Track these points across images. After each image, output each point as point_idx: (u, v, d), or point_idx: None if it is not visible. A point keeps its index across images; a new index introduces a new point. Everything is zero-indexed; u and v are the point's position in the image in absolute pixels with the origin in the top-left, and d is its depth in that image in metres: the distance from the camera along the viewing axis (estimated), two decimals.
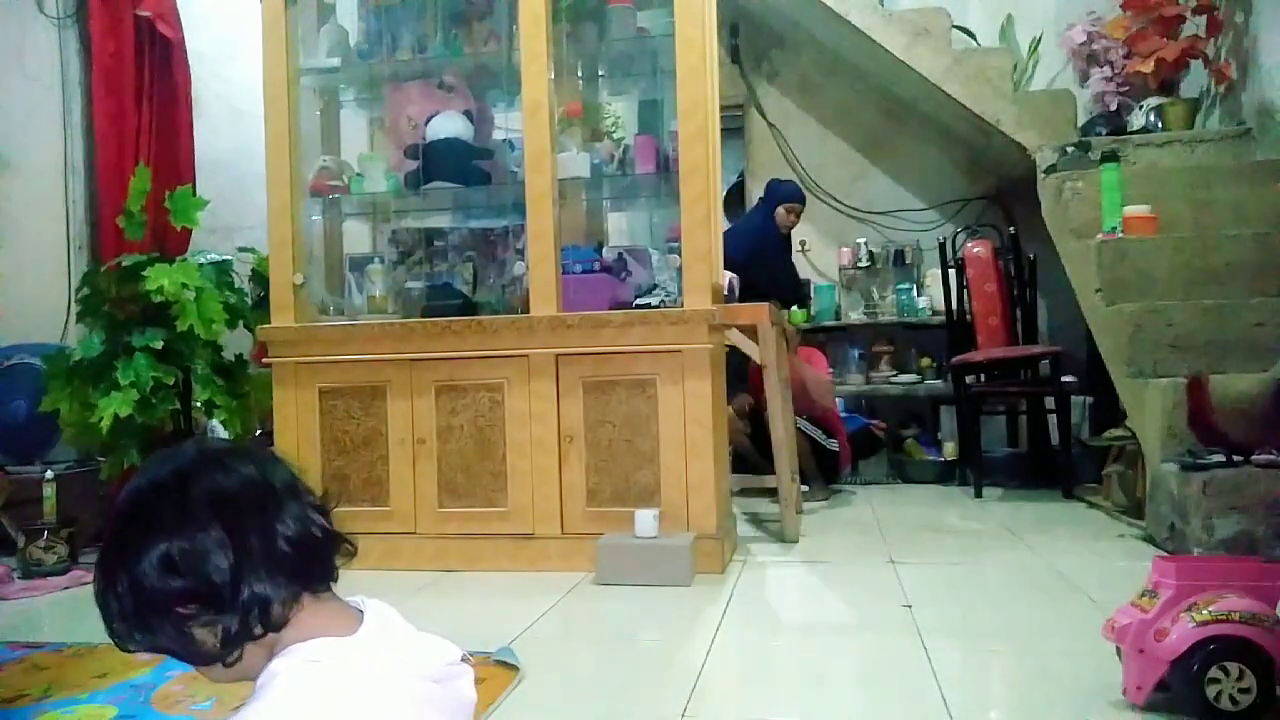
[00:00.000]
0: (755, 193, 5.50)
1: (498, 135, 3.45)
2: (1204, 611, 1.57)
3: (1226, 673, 1.54)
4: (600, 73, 3.56)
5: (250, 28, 3.22)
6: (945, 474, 4.67)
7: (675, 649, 2.13)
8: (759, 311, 3.29)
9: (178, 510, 0.85)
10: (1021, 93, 4.57)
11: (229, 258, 3.55)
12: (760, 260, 4.39)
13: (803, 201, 4.64)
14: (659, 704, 1.76)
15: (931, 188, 5.25)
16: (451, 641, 1.01)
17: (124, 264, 3.29)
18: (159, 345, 3.21)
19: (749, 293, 3.88)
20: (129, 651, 0.88)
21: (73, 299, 3.70)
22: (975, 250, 4.40)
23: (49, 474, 3.17)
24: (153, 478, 0.88)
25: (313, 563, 0.90)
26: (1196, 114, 4.33)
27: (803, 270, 5.37)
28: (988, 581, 2.65)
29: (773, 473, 3.34)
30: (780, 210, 4.56)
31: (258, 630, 0.85)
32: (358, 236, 3.78)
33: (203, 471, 0.88)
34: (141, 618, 0.84)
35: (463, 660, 0.99)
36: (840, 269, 5.29)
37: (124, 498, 0.88)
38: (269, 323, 3.15)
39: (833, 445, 4.31)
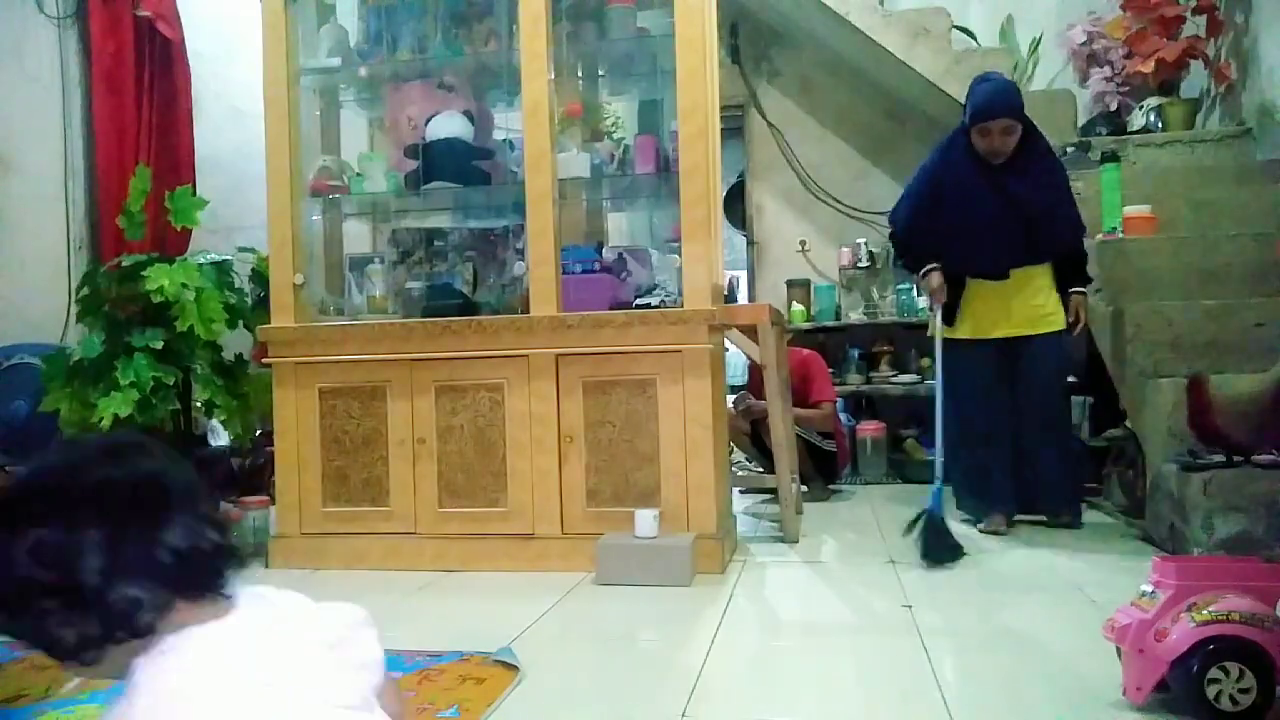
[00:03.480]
0: (755, 193, 5.51)
1: (498, 135, 3.45)
2: (1204, 611, 1.57)
3: (1226, 673, 1.54)
4: (600, 73, 3.56)
5: (250, 28, 3.23)
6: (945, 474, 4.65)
7: (675, 649, 2.13)
8: (759, 311, 3.28)
9: (61, 503, 0.82)
10: (1022, 93, 4.56)
11: (229, 258, 3.55)
12: (935, 208, 3.34)
13: (1003, 114, 3.17)
14: (659, 704, 1.76)
15: None
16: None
17: (124, 264, 3.30)
18: (159, 345, 3.22)
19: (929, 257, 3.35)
20: None
21: (73, 299, 3.70)
22: None
23: None
24: (49, 464, 0.86)
25: (197, 574, 0.86)
26: (1196, 114, 4.33)
27: (803, 270, 5.37)
28: (988, 581, 2.65)
29: (772, 472, 3.34)
30: (973, 134, 3.25)
31: (120, 636, 0.82)
32: (358, 236, 3.79)
33: (97, 467, 0.85)
34: (4, 600, 0.82)
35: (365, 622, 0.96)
36: (840, 269, 5.28)
37: (18, 478, 0.86)
38: (269, 323, 3.15)
39: (830, 446, 4.31)
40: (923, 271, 3.42)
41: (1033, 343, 3.31)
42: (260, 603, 0.90)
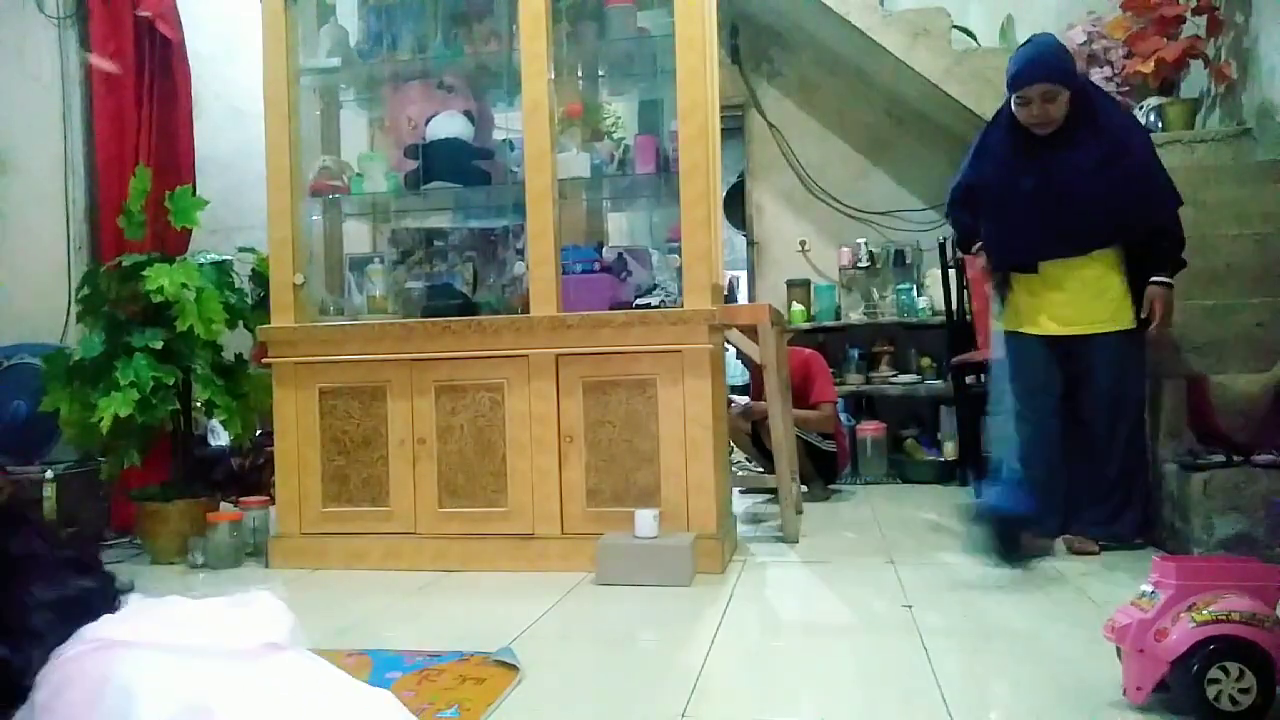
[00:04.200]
0: (755, 193, 5.51)
1: (498, 135, 3.45)
2: (1204, 611, 1.57)
3: (1226, 673, 1.54)
4: (600, 73, 3.56)
5: (250, 28, 3.23)
6: (945, 474, 4.67)
7: (675, 649, 2.13)
8: (759, 311, 3.28)
9: None
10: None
11: (229, 258, 3.55)
12: (983, 188, 3.00)
13: (1039, 77, 2.80)
14: (659, 704, 1.76)
15: (932, 188, 5.24)
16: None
17: (124, 264, 3.29)
18: (159, 345, 3.21)
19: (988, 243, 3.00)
20: None
21: (73, 299, 3.70)
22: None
23: (49, 474, 3.18)
24: None
25: (82, 616, 0.89)
26: (1196, 114, 4.33)
27: (803, 270, 5.37)
28: (988, 581, 2.65)
29: (772, 472, 3.34)
30: (1014, 104, 2.88)
31: (10, 697, 0.85)
32: (358, 236, 3.79)
33: None
34: None
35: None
36: (840, 269, 5.28)
37: None
38: (269, 323, 3.15)
39: (830, 446, 4.31)
40: (973, 249, 3.13)
41: (1091, 344, 2.88)
42: (148, 602, 0.95)
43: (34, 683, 0.84)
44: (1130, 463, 2.91)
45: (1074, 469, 2.93)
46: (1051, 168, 2.83)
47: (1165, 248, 2.88)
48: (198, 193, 3.61)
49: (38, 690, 0.82)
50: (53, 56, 4.01)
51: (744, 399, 4.57)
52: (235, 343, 3.56)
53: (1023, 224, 2.90)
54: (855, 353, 5.11)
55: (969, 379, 4.39)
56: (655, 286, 3.11)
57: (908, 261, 5.22)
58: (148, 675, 0.81)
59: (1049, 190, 2.83)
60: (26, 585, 0.89)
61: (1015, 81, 2.83)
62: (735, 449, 4.50)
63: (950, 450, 4.72)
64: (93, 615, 0.90)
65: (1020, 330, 2.98)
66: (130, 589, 0.97)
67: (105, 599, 0.93)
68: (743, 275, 5.74)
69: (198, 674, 0.83)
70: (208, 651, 0.87)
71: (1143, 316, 2.85)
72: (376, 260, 3.41)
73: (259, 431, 3.80)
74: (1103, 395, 2.89)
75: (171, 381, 3.26)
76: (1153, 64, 4.17)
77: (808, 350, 4.47)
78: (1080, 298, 2.90)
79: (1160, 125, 4.24)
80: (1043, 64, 2.81)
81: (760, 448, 4.21)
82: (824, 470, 4.31)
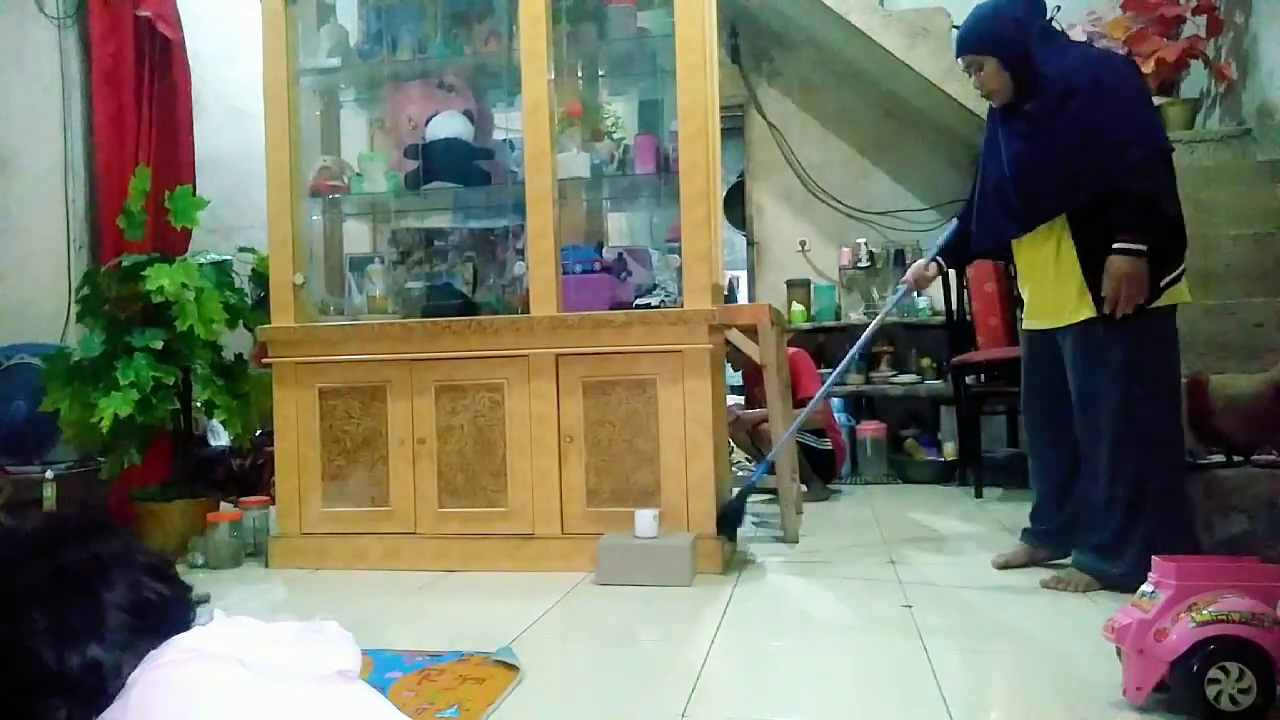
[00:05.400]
0: (755, 193, 5.51)
1: (498, 135, 3.45)
2: (1204, 611, 1.57)
3: (1226, 673, 1.54)
4: (600, 73, 3.56)
5: (250, 28, 3.23)
6: (945, 474, 4.67)
7: (675, 649, 2.13)
8: (759, 311, 3.28)
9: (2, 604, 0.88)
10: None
11: (229, 258, 3.55)
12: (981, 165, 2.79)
13: (961, 49, 2.65)
14: (659, 704, 1.76)
15: (931, 188, 5.25)
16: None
17: (124, 264, 3.29)
18: (159, 345, 3.21)
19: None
20: None
21: (73, 299, 3.70)
22: None
23: (49, 474, 3.17)
24: None
25: (159, 622, 0.92)
26: (1196, 114, 4.33)
27: (803, 270, 5.37)
28: (988, 581, 2.65)
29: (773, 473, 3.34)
30: None
31: (100, 701, 0.87)
32: (358, 236, 3.79)
33: (24, 559, 0.91)
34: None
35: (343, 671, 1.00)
36: (840, 269, 5.28)
37: None
38: (269, 323, 3.15)
39: (825, 445, 4.31)
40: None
41: (1064, 340, 2.56)
42: (228, 620, 0.96)
43: (125, 684, 0.86)
44: (1122, 489, 2.43)
45: (1077, 486, 2.62)
46: (1004, 141, 2.62)
47: (1126, 207, 2.38)
48: (198, 193, 3.60)
49: (129, 690, 0.85)
50: (53, 57, 4.01)
51: (737, 399, 4.57)
52: (235, 343, 3.56)
53: (984, 206, 2.72)
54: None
55: (969, 379, 4.39)
56: (655, 286, 3.11)
57: (908, 261, 5.20)
58: (232, 692, 0.84)
59: (999, 166, 2.62)
60: (113, 588, 0.91)
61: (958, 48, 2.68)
62: (735, 449, 4.50)
63: (950, 450, 4.72)
64: (170, 622, 0.93)
65: (1026, 327, 2.75)
66: (206, 600, 0.99)
67: (183, 606, 0.96)
68: (743, 275, 5.74)
69: (281, 696, 0.86)
70: (289, 674, 0.89)
71: (1102, 295, 2.40)
72: (376, 260, 3.41)
73: (259, 431, 3.80)
74: (1076, 403, 2.54)
75: (171, 381, 3.26)
76: (1153, 64, 4.17)
77: (792, 349, 4.44)
78: (1042, 285, 2.60)
79: None
80: (962, 36, 2.65)
81: (760, 450, 4.21)
82: (822, 469, 4.31)
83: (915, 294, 3.11)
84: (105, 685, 0.87)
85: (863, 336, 3.15)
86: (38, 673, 0.87)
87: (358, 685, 0.96)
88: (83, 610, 0.89)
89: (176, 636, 0.89)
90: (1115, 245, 2.38)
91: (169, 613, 0.94)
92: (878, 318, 3.22)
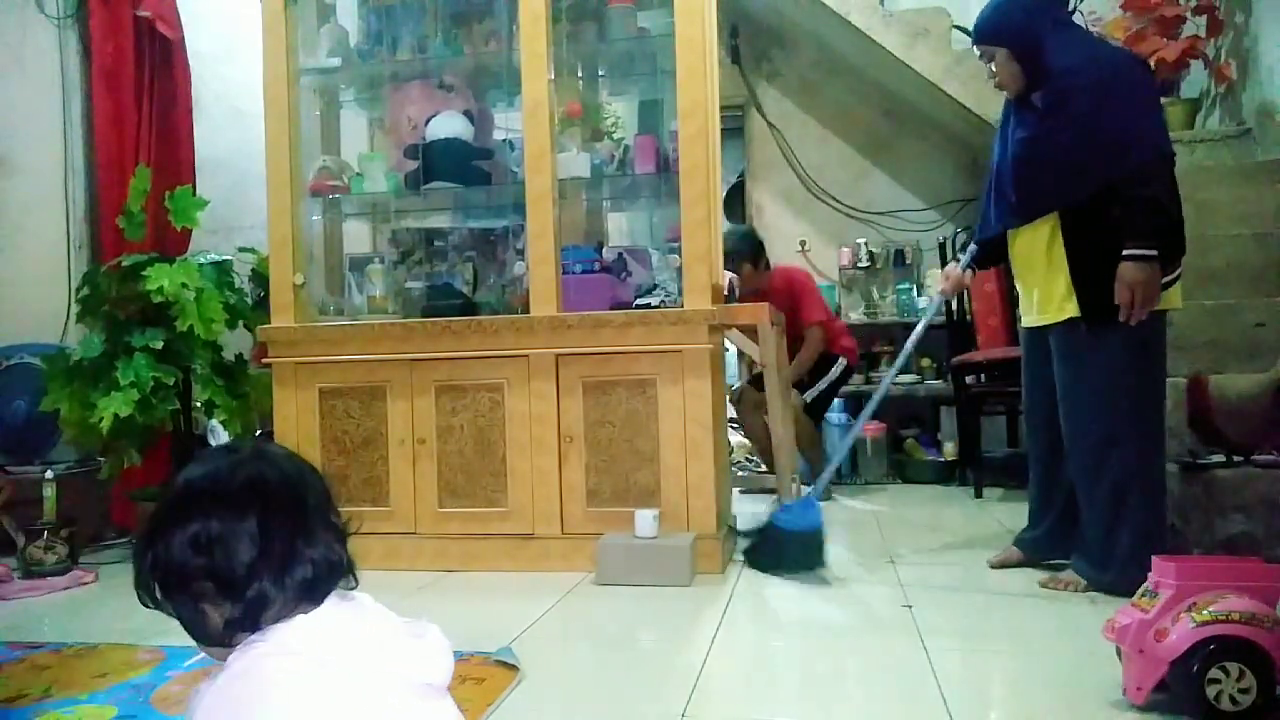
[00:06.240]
0: (755, 192, 5.51)
1: (498, 135, 3.45)
2: (1204, 611, 1.57)
3: (1226, 673, 1.54)
4: (600, 73, 3.56)
5: (250, 28, 3.23)
6: (945, 474, 4.67)
7: (675, 649, 2.13)
8: (759, 311, 3.29)
9: (222, 498, 0.94)
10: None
11: (229, 258, 3.55)
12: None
13: (976, 39, 2.63)
14: (659, 704, 1.76)
15: (931, 188, 5.25)
16: (450, 639, 1.01)
17: (124, 264, 3.30)
18: (159, 345, 3.22)
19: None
20: (145, 606, 0.96)
21: (73, 299, 3.70)
22: None
23: (49, 474, 3.17)
24: (208, 469, 0.97)
25: (325, 585, 0.96)
26: (1197, 114, 4.33)
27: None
28: (988, 582, 2.65)
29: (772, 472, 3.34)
30: None
31: (249, 625, 0.92)
32: (358, 236, 3.79)
33: (250, 466, 0.97)
34: (163, 583, 0.94)
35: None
36: (840, 269, 5.28)
37: (183, 477, 0.97)
38: (269, 323, 3.15)
39: (813, 394, 4.33)
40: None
41: (1054, 337, 2.53)
42: (348, 602, 0.99)
43: (240, 643, 0.91)
44: (1104, 490, 2.41)
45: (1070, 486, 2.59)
46: (1011, 132, 2.60)
47: (1134, 212, 2.34)
48: (198, 193, 3.61)
49: (222, 673, 0.88)
50: (53, 57, 4.01)
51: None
52: (235, 343, 3.56)
53: (993, 198, 2.69)
54: None
55: (969, 379, 4.39)
56: (655, 286, 3.11)
57: (908, 261, 5.22)
58: (306, 695, 0.87)
59: (1006, 157, 2.60)
60: (314, 545, 0.95)
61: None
62: (748, 451, 4.50)
63: (950, 450, 4.72)
64: (331, 584, 0.96)
65: (1024, 325, 2.72)
66: (355, 585, 1.02)
67: (350, 571, 0.99)
68: None
69: (359, 708, 0.89)
70: (378, 680, 0.92)
71: (1116, 302, 2.36)
72: (376, 260, 3.41)
73: (259, 431, 3.80)
74: (1059, 401, 2.51)
75: (171, 381, 3.26)
76: (1153, 64, 4.17)
77: (793, 267, 4.36)
78: (1033, 281, 2.57)
79: None
80: (976, 25, 2.62)
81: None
82: (815, 413, 4.33)
83: (946, 300, 3.07)
84: (255, 620, 0.91)
85: (906, 345, 3.03)
86: (224, 566, 0.91)
87: (445, 702, 0.98)
88: (284, 541, 0.93)
89: (273, 627, 0.91)
90: (1126, 251, 2.33)
91: (336, 574, 0.97)
92: (919, 326, 3.04)
